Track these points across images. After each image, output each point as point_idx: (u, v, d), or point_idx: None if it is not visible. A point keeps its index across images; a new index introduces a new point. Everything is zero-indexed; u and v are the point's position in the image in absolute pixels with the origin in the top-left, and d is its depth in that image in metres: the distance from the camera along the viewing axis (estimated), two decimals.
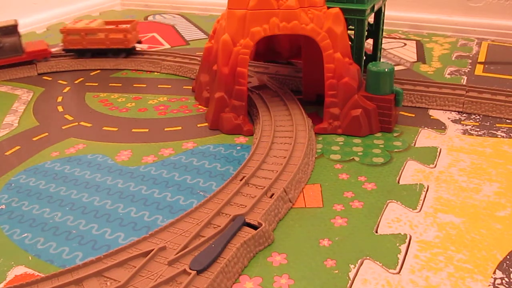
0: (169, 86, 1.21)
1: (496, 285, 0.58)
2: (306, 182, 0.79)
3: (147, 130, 0.99)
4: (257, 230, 0.64)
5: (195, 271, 0.57)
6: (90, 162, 0.88)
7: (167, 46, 1.53)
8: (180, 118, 1.04)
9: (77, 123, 1.03)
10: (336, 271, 0.61)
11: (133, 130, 0.99)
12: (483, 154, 0.86)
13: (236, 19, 0.91)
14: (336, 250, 0.65)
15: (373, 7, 1.03)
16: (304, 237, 0.67)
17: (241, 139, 0.94)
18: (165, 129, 0.99)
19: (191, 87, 1.18)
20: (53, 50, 1.36)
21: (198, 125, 1.00)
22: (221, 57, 0.93)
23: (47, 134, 0.99)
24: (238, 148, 0.91)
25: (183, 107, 1.09)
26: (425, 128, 0.96)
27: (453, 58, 1.34)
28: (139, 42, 1.39)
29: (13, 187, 0.81)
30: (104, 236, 0.69)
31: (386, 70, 0.91)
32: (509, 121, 0.98)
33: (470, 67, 1.28)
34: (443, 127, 0.97)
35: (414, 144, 0.90)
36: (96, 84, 1.24)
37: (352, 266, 0.62)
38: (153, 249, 0.61)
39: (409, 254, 0.64)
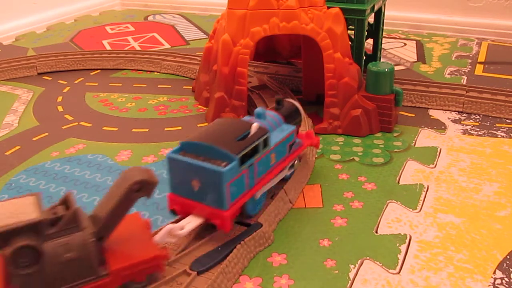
0: (169, 86, 1.21)
1: (496, 285, 0.58)
2: (306, 182, 0.79)
3: (147, 130, 0.99)
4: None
5: (196, 272, 0.57)
6: (90, 162, 0.88)
7: (167, 46, 1.53)
8: (180, 118, 1.04)
9: (77, 123, 1.03)
10: (336, 271, 0.61)
11: (133, 130, 0.99)
12: (483, 154, 0.86)
13: (236, 19, 0.91)
14: (336, 250, 0.65)
15: (373, 7, 1.03)
16: (304, 237, 0.67)
17: None
18: (165, 129, 0.99)
19: (191, 87, 1.18)
20: None
21: (198, 125, 1.00)
22: (221, 57, 0.93)
23: (47, 134, 0.99)
24: None
25: (183, 107, 1.09)
26: (425, 128, 0.96)
27: (453, 58, 1.34)
28: None
29: (13, 187, 0.81)
30: None
31: (386, 70, 0.91)
32: (509, 121, 0.98)
33: (470, 67, 1.28)
34: (443, 127, 0.97)
35: (414, 144, 0.90)
36: (96, 84, 1.24)
37: (352, 266, 0.62)
38: None
39: (409, 254, 0.64)
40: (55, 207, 0.52)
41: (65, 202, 0.52)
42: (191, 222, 0.61)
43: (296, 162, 0.76)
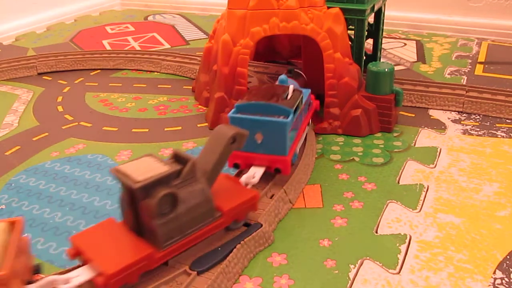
0: (169, 86, 1.21)
1: (496, 285, 0.58)
2: (306, 182, 0.79)
3: (147, 130, 0.99)
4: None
5: (196, 272, 0.58)
6: (90, 162, 0.88)
7: (167, 46, 1.53)
8: (180, 118, 1.04)
9: (77, 123, 1.03)
10: (336, 271, 0.61)
11: (133, 130, 0.99)
12: (483, 154, 0.86)
13: (236, 19, 0.91)
14: (336, 250, 0.65)
15: (373, 7, 1.03)
16: (304, 237, 0.67)
17: None
18: (165, 129, 0.99)
19: (191, 87, 1.18)
20: None
21: (198, 125, 1.00)
22: (221, 57, 0.93)
23: (47, 134, 0.99)
24: None
25: (183, 107, 1.09)
26: (425, 128, 0.96)
27: (453, 58, 1.34)
28: None
29: (13, 187, 0.81)
30: None
31: (386, 70, 0.91)
32: (509, 121, 0.98)
33: (470, 67, 1.28)
34: (443, 127, 0.97)
35: (414, 144, 0.90)
36: (96, 84, 1.24)
37: (352, 266, 0.62)
38: None
39: (409, 254, 0.64)
40: (171, 163, 0.57)
41: (176, 157, 0.58)
42: (257, 172, 0.72)
43: (310, 122, 0.89)
